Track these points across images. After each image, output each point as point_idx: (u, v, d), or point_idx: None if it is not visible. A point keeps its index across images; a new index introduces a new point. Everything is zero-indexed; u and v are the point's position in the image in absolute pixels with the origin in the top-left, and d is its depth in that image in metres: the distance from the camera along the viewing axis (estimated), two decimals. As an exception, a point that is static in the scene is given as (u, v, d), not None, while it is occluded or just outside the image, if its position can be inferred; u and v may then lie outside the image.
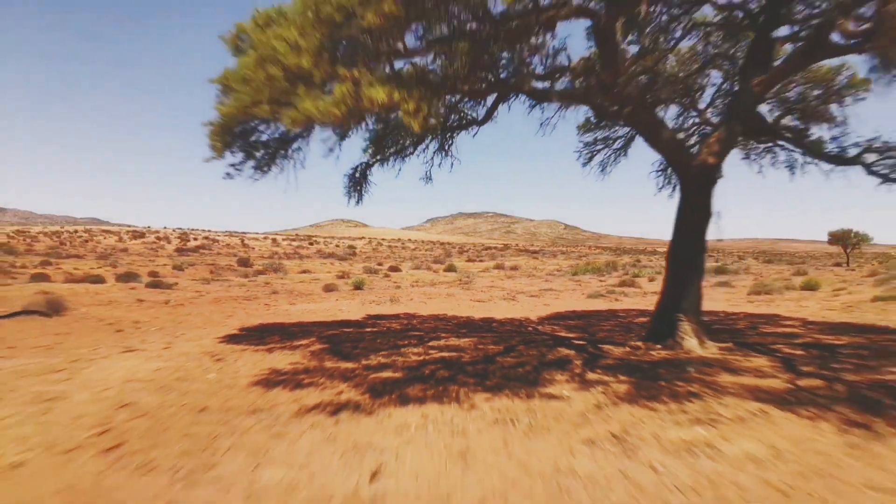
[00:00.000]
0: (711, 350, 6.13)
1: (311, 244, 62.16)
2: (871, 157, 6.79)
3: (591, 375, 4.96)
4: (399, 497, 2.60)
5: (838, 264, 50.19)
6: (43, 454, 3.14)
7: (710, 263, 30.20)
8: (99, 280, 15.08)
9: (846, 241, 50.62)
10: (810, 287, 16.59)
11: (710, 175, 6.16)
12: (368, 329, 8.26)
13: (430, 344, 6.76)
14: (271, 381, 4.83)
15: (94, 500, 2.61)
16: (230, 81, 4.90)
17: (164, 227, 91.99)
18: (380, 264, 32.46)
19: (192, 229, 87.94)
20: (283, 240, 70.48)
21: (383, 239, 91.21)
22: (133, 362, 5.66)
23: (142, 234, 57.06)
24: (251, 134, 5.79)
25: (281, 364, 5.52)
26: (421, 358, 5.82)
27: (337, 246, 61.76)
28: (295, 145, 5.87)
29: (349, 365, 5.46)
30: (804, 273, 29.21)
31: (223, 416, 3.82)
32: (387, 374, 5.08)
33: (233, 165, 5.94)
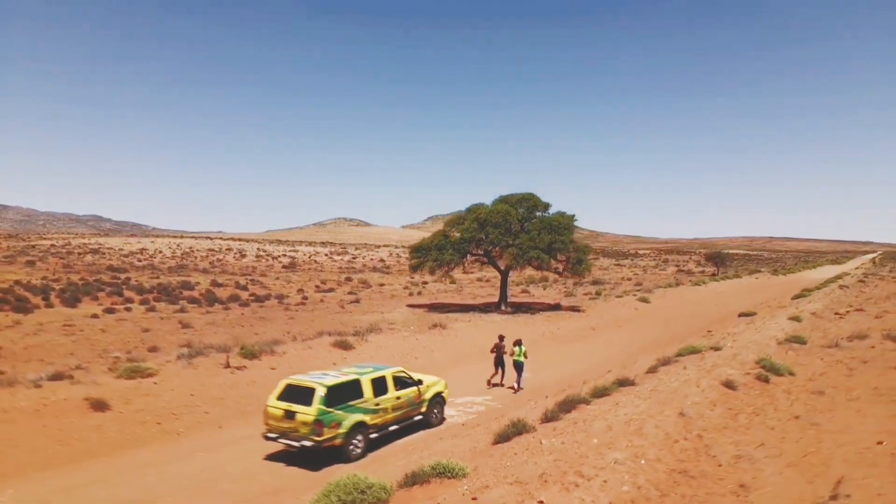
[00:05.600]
0: (508, 310, 30.96)
1: (353, 258, 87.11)
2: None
3: (478, 314, 29.86)
4: (462, 334, 27.26)
5: (713, 275, 75.03)
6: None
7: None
8: (332, 290, 39.88)
9: (716, 259, 75.70)
10: (598, 292, 41.44)
11: (507, 272, 31.23)
12: (435, 305, 33.03)
13: (454, 310, 31.63)
14: (425, 312, 29.60)
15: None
16: (414, 258, 30.29)
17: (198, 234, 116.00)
18: (413, 279, 57.07)
19: (221, 233, 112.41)
20: (335, 254, 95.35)
21: (402, 247, 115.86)
22: (399, 311, 30.53)
23: (243, 254, 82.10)
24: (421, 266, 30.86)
25: (422, 308, 30.33)
26: (452, 311, 30.70)
27: (371, 259, 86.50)
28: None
29: (438, 311, 30.27)
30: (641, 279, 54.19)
31: (424, 320, 28.52)
32: (446, 312, 29.89)
33: (414, 270, 31.12)
